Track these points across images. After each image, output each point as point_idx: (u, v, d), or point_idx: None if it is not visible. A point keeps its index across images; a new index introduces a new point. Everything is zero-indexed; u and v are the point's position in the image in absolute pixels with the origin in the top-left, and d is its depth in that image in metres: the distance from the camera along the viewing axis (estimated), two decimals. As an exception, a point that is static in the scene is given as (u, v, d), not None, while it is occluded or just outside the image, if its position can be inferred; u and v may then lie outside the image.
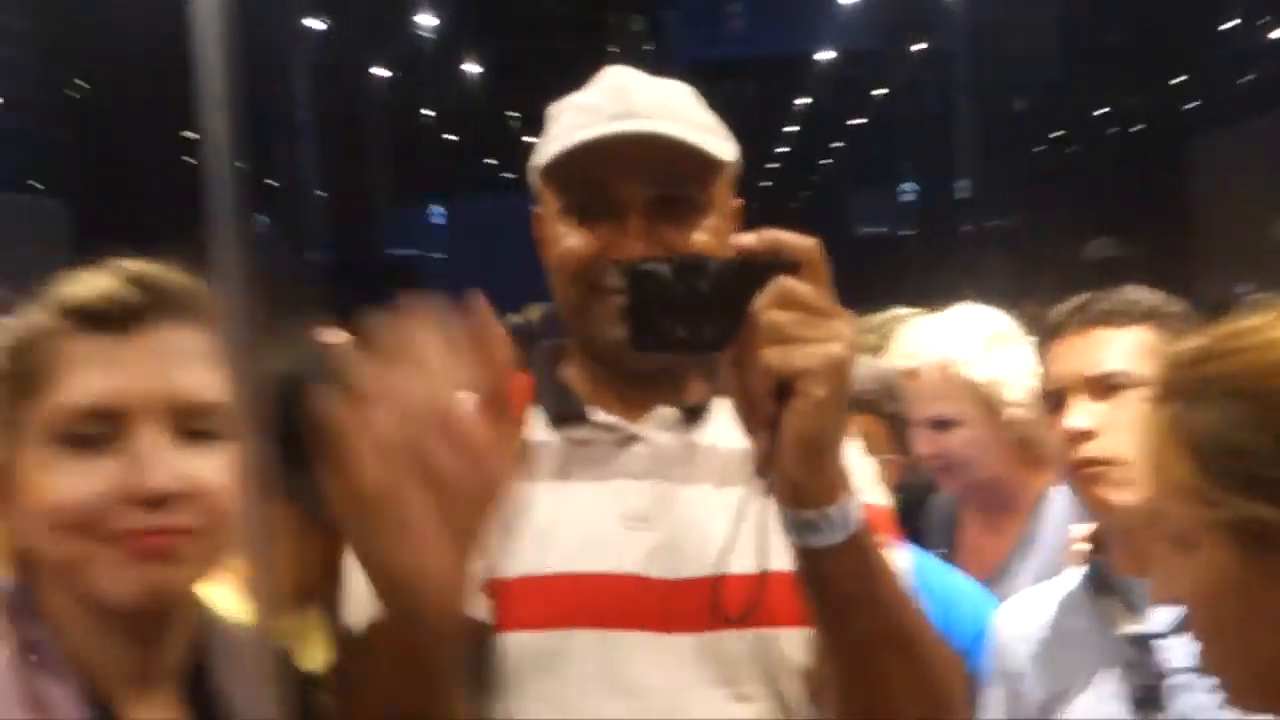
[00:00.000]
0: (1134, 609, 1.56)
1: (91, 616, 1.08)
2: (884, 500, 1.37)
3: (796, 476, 1.08)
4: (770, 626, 1.22)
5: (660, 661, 1.25)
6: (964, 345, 2.23)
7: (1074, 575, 1.67)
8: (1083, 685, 1.58)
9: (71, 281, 1.07)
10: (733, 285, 1.08)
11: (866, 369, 2.09)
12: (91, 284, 1.06)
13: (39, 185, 10.71)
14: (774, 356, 1.05)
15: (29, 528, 1.07)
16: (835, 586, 1.12)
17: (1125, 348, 1.60)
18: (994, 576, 2.17)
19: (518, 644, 1.24)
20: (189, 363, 1.06)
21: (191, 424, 1.05)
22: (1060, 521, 2.14)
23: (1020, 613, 1.70)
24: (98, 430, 1.04)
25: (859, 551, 1.10)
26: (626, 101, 1.30)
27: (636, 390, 1.32)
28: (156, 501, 1.03)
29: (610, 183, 1.28)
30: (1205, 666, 1.03)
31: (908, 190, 10.56)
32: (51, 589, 1.08)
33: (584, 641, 1.24)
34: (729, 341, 1.08)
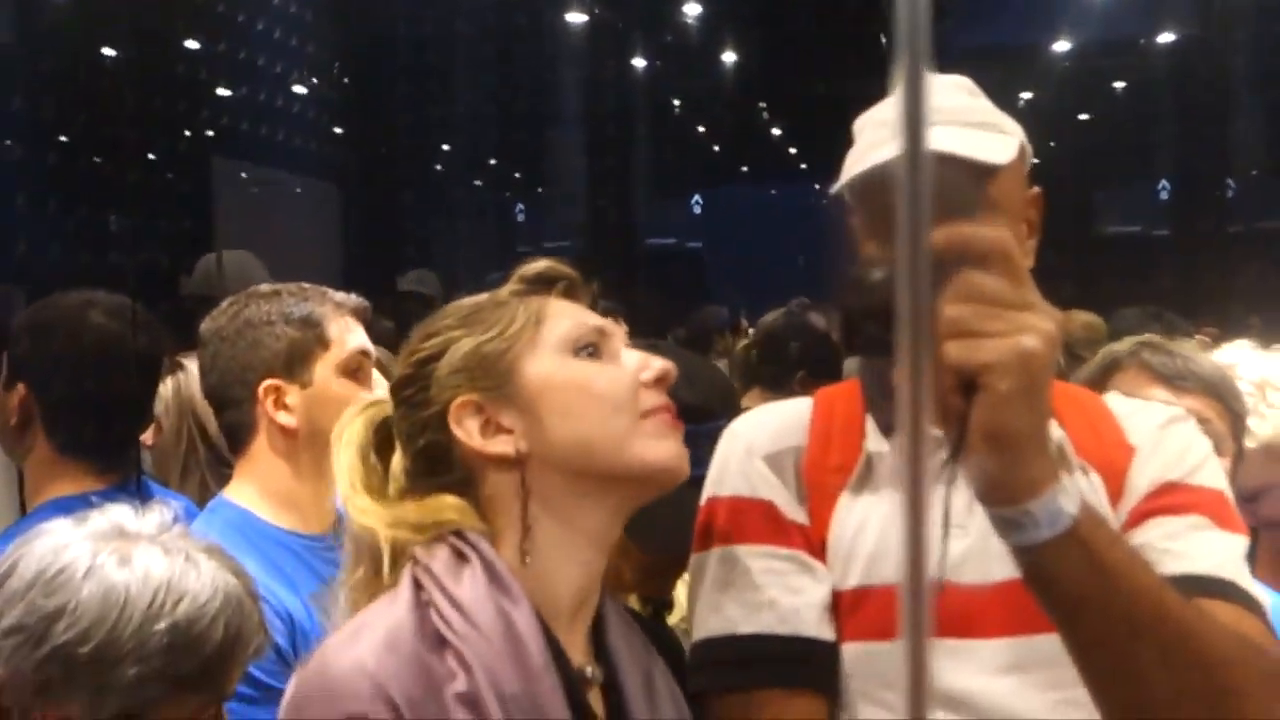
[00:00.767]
0: None
1: (568, 539, 1.24)
2: (1214, 482, 1.30)
3: (990, 473, 1.03)
4: None
5: (981, 668, 1.24)
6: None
7: None
8: None
9: (528, 267, 1.35)
10: None
11: (1210, 361, 2.07)
12: (540, 267, 1.34)
13: (317, 171, 11.46)
14: (954, 351, 1.00)
15: (551, 433, 1.23)
16: (1056, 585, 1.06)
17: None
18: None
19: (852, 654, 1.28)
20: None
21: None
22: None
23: None
24: (597, 343, 1.27)
25: (1079, 546, 1.03)
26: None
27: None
28: (663, 380, 1.25)
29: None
30: None
31: (1163, 188, 10.19)
32: (545, 511, 1.24)
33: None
34: None
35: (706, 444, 1.43)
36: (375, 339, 2.25)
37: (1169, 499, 1.26)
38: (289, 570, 1.99)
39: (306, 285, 2.11)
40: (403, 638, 1.15)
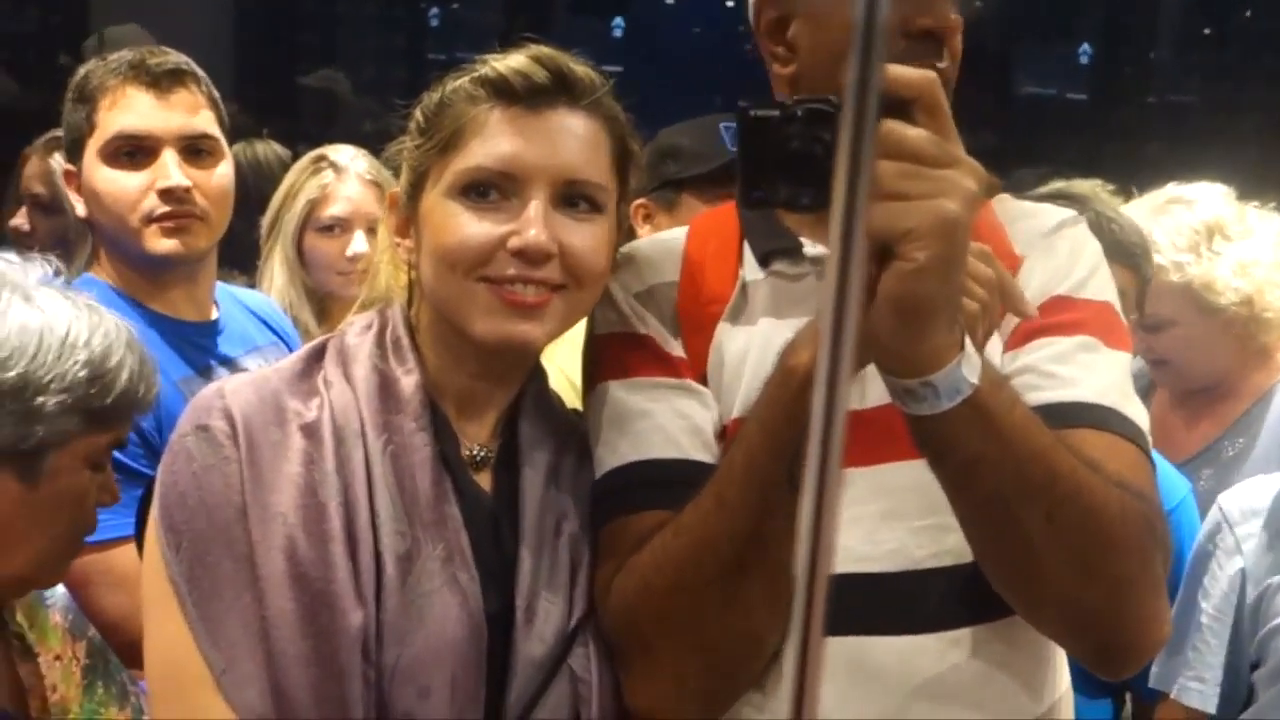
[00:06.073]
0: None
1: (453, 345, 1.26)
2: (1103, 293, 1.27)
3: (893, 345, 0.98)
4: None
5: (856, 495, 1.20)
6: (1173, 242, 2.15)
7: None
8: None
9: (495, 57, 1.23)
10: (834, 132, 0.94)
11: (1129, 221, 2.06)
12: (510, 62, 1.22)
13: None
14: (873, 216, 0.90)
15: (422, 262, 1.25)
16: (950, 453, 1.05)
17: None
18: (1194, 460, 2.20)
19: None
20: (579, 144, 1.22)
21: (573, 197, 1.21)
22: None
23: (1252, 495, 1.77)
24: (496, 190, 1.20)
25: (977, 414, 1.01)
26: None
27: None
28: (532, 259, 1.18)
29: None
30: None
31: (1084, 52, 10.14)
32: (425, 315, 1.27)
33: None
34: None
35: None
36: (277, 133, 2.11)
37: (1057, 316, 1.23)
38: (156, 354, 1.91)
39: (157, 50, 1.90)
40: (273, 378, 1.25)
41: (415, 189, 1.26)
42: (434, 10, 11.29)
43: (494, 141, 1.20)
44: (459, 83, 1.24)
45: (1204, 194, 2.26)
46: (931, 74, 0.97)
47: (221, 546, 1.17)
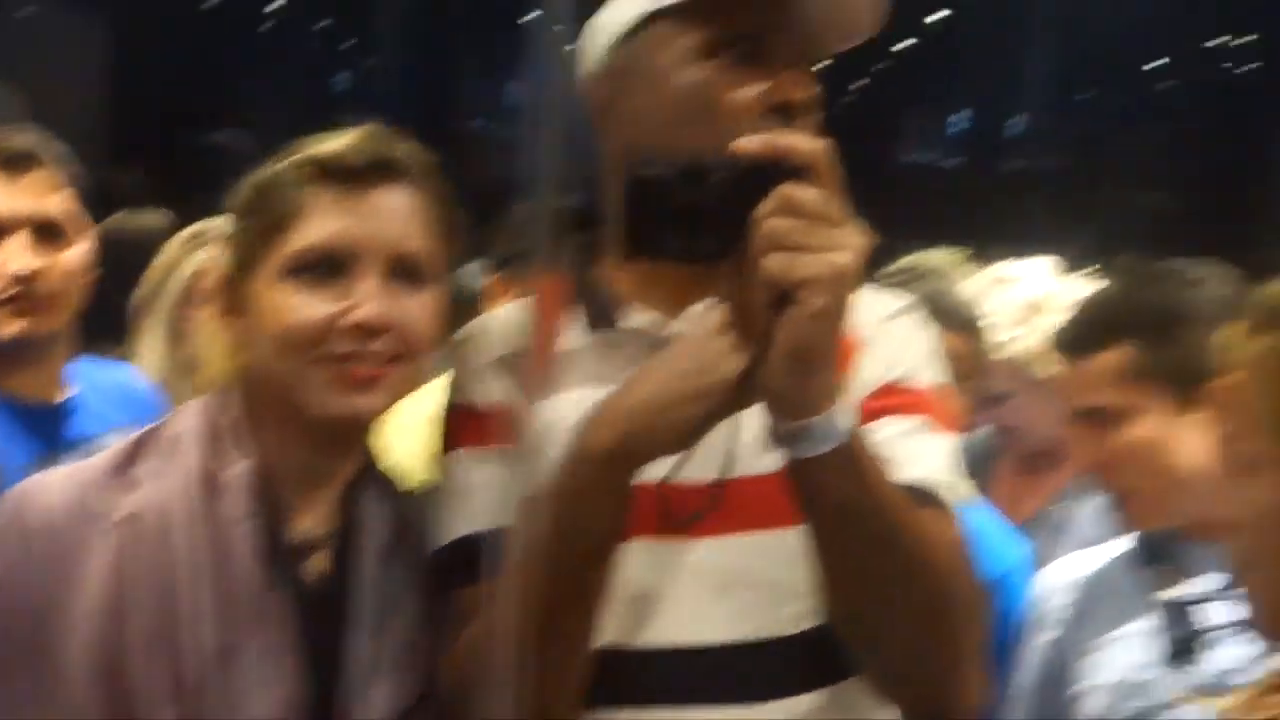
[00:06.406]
0: (1182, 573, 1.64)
1: (287, 427, 1.25)
2: (934, 378, 1.33)
3: (782, 388, 1.05)
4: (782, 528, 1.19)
5: (694, 565, 1.24)
6: (1000, 319, 2.25)
7: (1128, 540, 1.76)
8: (1119, 640, 1.67)
9: (316, 140, 1.27)
10: (735, 192, 1.04)
11: (959, 293, 2.17)
12: (333, 144, 1.26)
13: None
14: (774, 265, 1.01)
15: (253, 346, 1.25)
16: (822, 496, 1.10)
17: (1103, 377, 1.61)
18: (1032, 524, 2.26)
19: None
20: (405, 218, 1.25)
21: (402, 270, 1.24)
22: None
23: (1069, 569, 1.81)
24: (326, 269, 1.22)
25: (848, 461, 1.07)
26: None
27: (682, 283, 1.26)
28: (368, 333, 1.20)
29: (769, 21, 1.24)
30: (1246, 596, 1.03)
31: (959, 121, 10.41)
32: (256, 398, 1.27)
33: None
34: (729, 251, 1.04)
35: None
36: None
37: (890, 400, 1.30)
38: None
39: (7, 132, 1.86)
40: (89, 471, 1.23)
41: (243, 270, 1.26)
42: (342, 74, 11.18)
43: (322, 222, 1.22)
44: (283, 165, 1.26)
45: (1028, 270, 2.37)
46: (824, 143, 1.07)
47: (23, 652, 1.16)
